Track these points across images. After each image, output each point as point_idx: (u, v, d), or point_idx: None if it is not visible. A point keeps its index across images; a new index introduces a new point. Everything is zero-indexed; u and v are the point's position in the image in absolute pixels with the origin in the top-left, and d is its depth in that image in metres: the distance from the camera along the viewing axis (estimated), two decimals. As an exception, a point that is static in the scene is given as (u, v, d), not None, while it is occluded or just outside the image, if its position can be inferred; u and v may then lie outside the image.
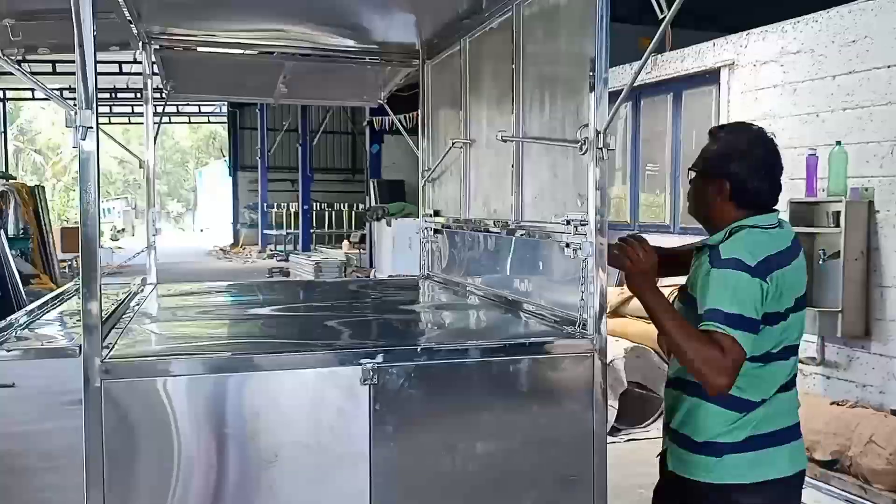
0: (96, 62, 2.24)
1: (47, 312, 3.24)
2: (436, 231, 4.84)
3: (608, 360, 5.89)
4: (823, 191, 5.66)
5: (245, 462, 2.45)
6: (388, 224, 14.57)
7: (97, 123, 2.21)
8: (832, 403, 5.03)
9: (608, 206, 2.68)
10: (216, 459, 2.43)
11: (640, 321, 6.52)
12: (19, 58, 4.14)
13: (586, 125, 2.78)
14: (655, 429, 6.19)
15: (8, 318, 2.93)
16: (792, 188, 6.04)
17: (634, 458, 5.64)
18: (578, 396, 2.74)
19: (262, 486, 2.44)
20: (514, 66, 3.60)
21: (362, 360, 2.53)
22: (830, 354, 5.80)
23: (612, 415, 5.97)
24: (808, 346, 5.99)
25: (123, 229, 33.91)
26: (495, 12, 3.78)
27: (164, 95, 4.70)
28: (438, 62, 4.80)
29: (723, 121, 6.93)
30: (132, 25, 3.85)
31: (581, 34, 2.89)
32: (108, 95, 20.67)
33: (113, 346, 2.49)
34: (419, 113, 5.00)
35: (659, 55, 7.73)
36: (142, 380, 2.35)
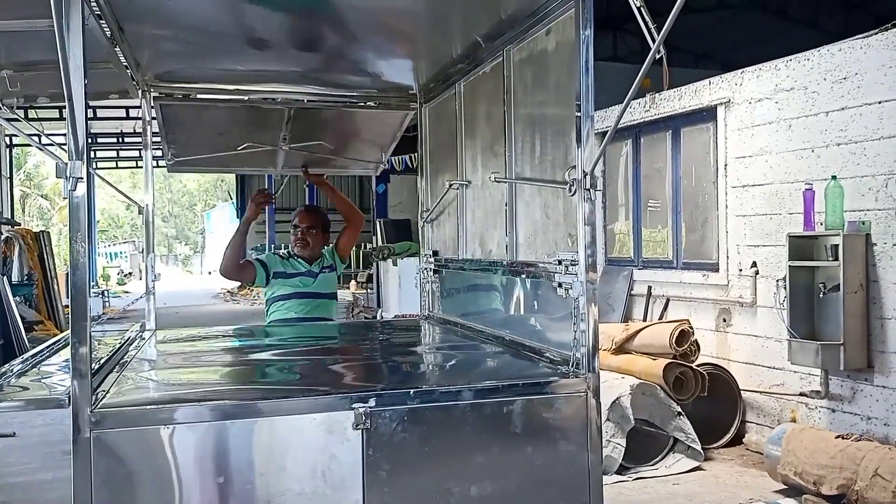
0: (87, 112, 2.28)
1: (47, 359, 3.25)
2: (435, 271, 4.86)
3: (615, 398, 5.88)
4: (821, 224, 5.67)
5: (237, 512, 2.43)
6: (395, 263, 14.60)
7: (88, 174, 2.25)
8: (837, 437, 4.97)
9: (604, 243, 2.69)
10: (208, 508, 2.41)
11: (646, 357, 6.49)
12: (22, 105, 4.21)
13: (574, 166, 2.81)
14: (664, 466, 6.12)
15: (4, 367, 2.94)
16: (790, 222, 6.05)
17: (642, 497, 5.57)
18: (573, 437, 2.72)
19: (254, 535, 2.41)
20: (505, 109, 3.65)
21: (354, 405, 2.52)
22: (834, 387, 5.76)
23: (619, 453, 5.90)
24: (812, 379, 5.94)
25: (130, 273, 34.02)
26: (487, 56, 3.84)
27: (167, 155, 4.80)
28: (435, 105, 4.86)
29: (720, 157, 6.98)
30: (129, 74, 3.91)
31: (568, 77, 2.94)
32: (114, 140, 20.92)
33: (105, 395, 2.49)
34: (418, 155, 5.05)
35: (657, 93, 7.81)
36: (131, 429, 2.34)
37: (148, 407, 2.44)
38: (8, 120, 3.16)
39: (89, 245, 2.27)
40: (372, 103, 4.95)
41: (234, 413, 2.45)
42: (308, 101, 4.81)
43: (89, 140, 2.32)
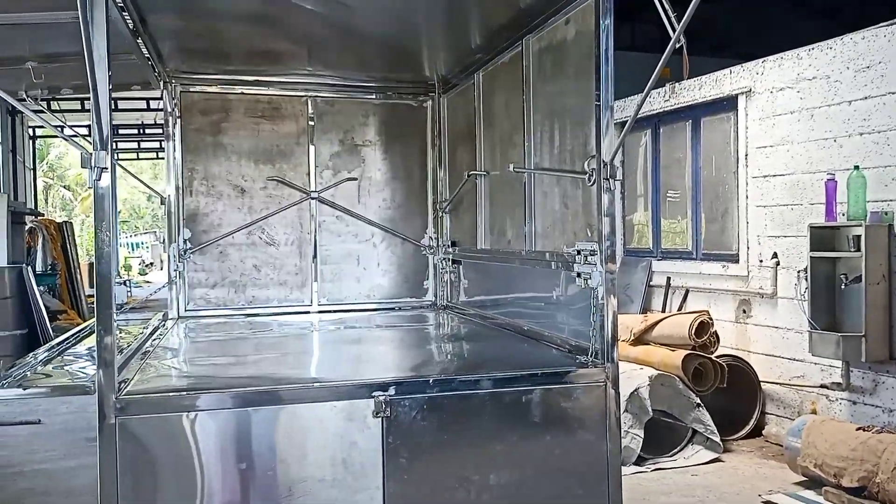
0: (111, 103, 2.31)
1: (71, 348, 3.30)
2: (454, 261, 4.87)
3: (633, 389, 5.88)
4: (843, 215, 5.61)
5: (259, 497, 2.46)
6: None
7: (112, 164, 2.27)
8: (858, 429, 4.93)
9: (622, 233, 2.68)
10: (231, 495, 2.44)
11: (665, 348, 6.46)
12: (45, 97, 4.26)
13: (593, 156, 2.80)
14: (682, 457, 6.10)
15: (29, 355, 2.99)
16: (812, 213, 5.99)
17: (661, 487, 5.56)
18: (592, 426, 2.73)
19: (275, 521, 2.45)
20: (524, 99, 3.64)
21: (374, 393, 2.54)
22: (856, 379, 5.71)
23: (638, 444, 5.89)
24: (833, 371, 5.90)
25: (152, 263, 34.27)
26: (506, 47, 3.83)
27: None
28: (454, 95, 4.86)
29: (741, 147, 6.92)
30: (151, 65, 3.94)
31: (587, 66, 2.93)
32: (135, 131, 21.03)
33: (129, 382, 2.53)
34: (437, 145, 5.06)
35: (677, 83, 7.75)
36: (155, 416, 2.38)
37: (171, 394, 2.48)
38: (35, 111, 3.19)
39: (114, 235, 2.30)
40: (392, 93, 4.96)
41: (255, 400, 2.49)
42: (326, 91, 4.83)
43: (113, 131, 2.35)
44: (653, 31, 17.66)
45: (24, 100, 2.80)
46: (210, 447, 2.42)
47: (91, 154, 2.24)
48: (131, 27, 3.23)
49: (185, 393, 2.49)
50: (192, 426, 2.41)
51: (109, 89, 2.27)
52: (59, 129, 2.54)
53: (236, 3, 3.25)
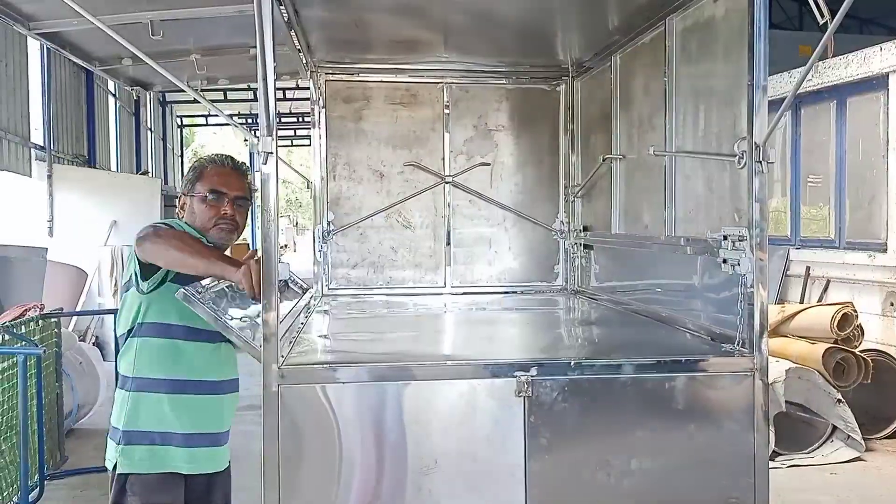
0: (275, 93, 2.45)
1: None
2: (585, 246, 4.85)
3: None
4: None
5: (406, 467, 2.57)
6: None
7: (276, 148, 2.42)
8: None
9: (767, 221, 2.62)
10: (379, 464, 2.57)
11: (802, 341, 6.19)
12: (204, 87, 4.55)
13: (744, 138, 2.72)
14: (821, 455, 5.85)
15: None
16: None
17: (795, 484, 5.37)
18: (738, 417, 2.67)
19: (421, 491, 2.55)
20: (665, 80, 3.57)
21: (517, 373, 2.59)
22: None
23: (770, 438, 5.70)
24: None
25: (286, 245, 35.80)
26: (646, 28, 3.77)
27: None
28: (588, 79, 4.82)
29: (892, 129, 6.50)
30: (301, 56, 4.13)
31: (738, 44, 2.84)
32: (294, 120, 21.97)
33: (287, 355, 2.69)
34: (569, 130, 5.04)
35: (820, 62, 7.36)
36: (313, 385, 2.52)
37: (327, 365, 2.63)
38: (210, 101, 3.38)
39: (276, 216, 2.45)
40: (525, 78, 4.98)
41: (406, 375, 2.59)
42: (460, 78, 4.90)
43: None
44: (792, 8, 16.77)
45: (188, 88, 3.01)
46: (362, 417, 2.55)
47: (258, 139, 2.39)
48: (286, 19, 3.40)
49: (338, 365, 2.63)
50: (345, 396, 2.54)
51: (275, 79, 2.41)
52: (223, 115, 2.67)
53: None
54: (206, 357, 2.70)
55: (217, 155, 2.89)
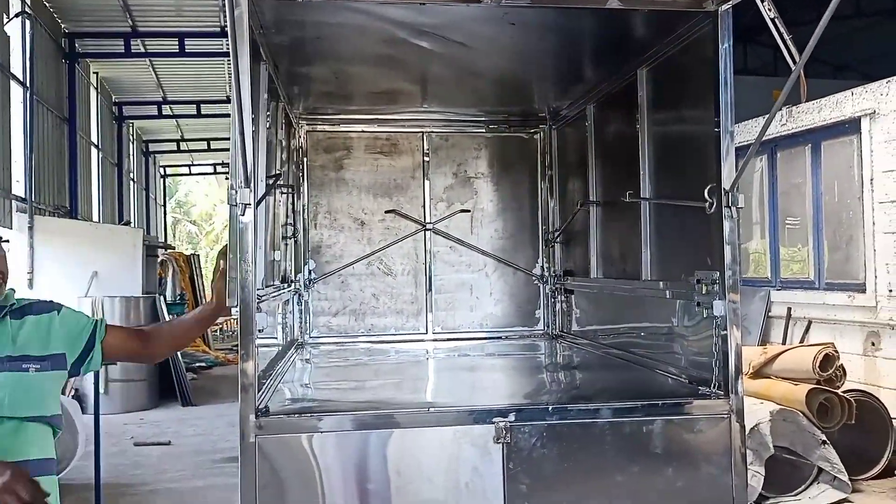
0: (256, 145, 2.49)
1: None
2: (566, 291, 4.88)
3: (753, 424, 5.67)
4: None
5: (386, 516, 2.55)
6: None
7: (254, 201, 2.45)
8: None
9: (741, 263, 2.66)
10: (359, 513, 2.55)
11: (787, 382, 6.21)
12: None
13: (713, 185, 2.79)
14: (807, 497, 5.82)
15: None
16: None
17: (783, 528, 5.33)
18: (716, 460, 2.68)
19: (401, 541, 2.53)
20: (638, 128, 3.65)
21: (495, 419, 2.60)
22: None
23: (758, 482, 5.67)
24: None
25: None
26: (619, 77, 3.86)
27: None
28: (564, 126, 4.91)
29: (866, 171, 6.63)
30: (284, 107, 4.20)
31: (705, 92, 2.92)
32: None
33: (265, 403, 2.68)
34: (547, 176, 5.11)
35: (794, 106, 7.53)
36: (291, 436, 2.52)
37: (306, 415, 2.62)
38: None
39: (254, 265, 2.47)
40: (503, 126, 5.07)
41: (384, 423, 2.59)
42: (440, 127, 4.99)
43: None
44: (766, 54, 17.15)
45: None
46: (341, 465, 2.54)
47: (236, 191, 2.42)
48: (270, 73, 3.47)
49: (318, 414, 2.62)
50: (325, 445, 2.53)
51: (253, 132, 2.45)
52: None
53: (362, 47, 3.43)
54: None
55: None
